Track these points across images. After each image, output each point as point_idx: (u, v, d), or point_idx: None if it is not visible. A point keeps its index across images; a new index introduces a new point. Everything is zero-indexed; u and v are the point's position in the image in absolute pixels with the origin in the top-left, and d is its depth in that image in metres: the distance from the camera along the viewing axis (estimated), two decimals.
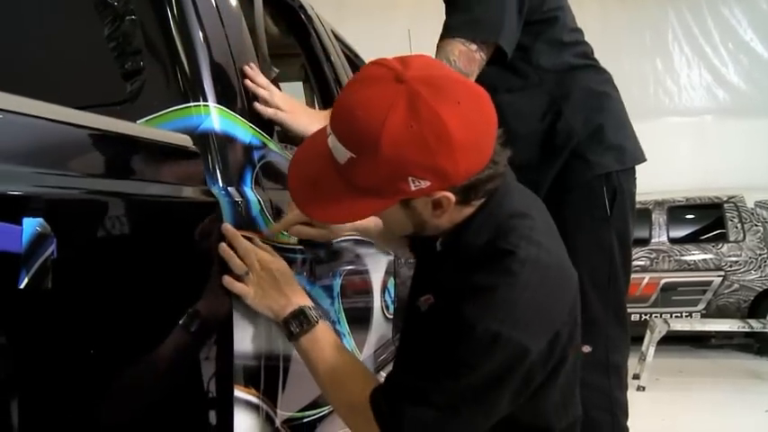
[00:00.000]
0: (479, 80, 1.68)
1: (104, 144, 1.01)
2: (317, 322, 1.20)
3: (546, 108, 1.84)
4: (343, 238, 1.73)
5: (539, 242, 1.12)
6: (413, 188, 1.05)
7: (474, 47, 1.67)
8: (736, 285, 6.21)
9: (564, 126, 1.82)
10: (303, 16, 2.19)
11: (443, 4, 1.79)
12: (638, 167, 1.91)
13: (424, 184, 1.04)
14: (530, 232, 1.12)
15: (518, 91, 1.83)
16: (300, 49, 2.28)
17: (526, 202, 1.23)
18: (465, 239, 1.15)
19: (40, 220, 0.77)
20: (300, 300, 1.22)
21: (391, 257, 2.31)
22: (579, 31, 1.92)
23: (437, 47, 1.70)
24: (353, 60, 2.76)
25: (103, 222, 0.92)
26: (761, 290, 6.19)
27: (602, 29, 1.77)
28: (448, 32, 1.70)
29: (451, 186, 1.07)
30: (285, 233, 1.36)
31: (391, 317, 2.30)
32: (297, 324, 1.20)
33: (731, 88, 7.15)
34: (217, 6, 1.41)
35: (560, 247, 1.21)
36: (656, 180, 6.44)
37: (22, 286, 0.73)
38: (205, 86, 1.26)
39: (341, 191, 1.09)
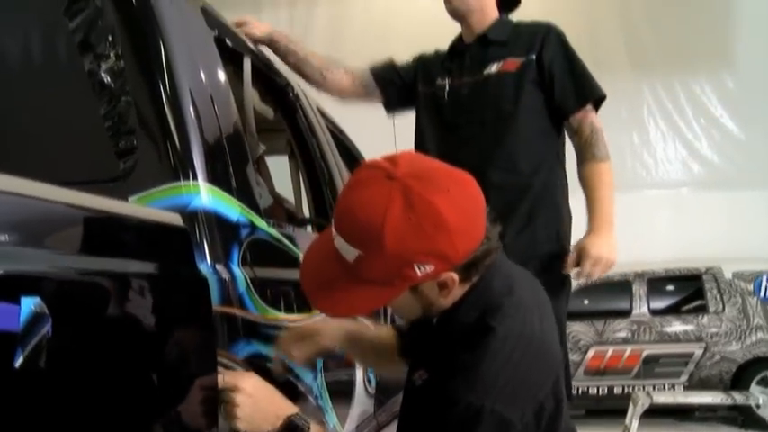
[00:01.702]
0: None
1: (98, 223, 1.04)
2: (309, 428, 1.21)
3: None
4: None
5: (522, 318, 1.18)
6: (419, 274, 1.12)
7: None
8: (717, 357, 6.22)
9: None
10: (291, 94, 2.26)
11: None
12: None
13: (429, 268, 1.12)
14: (515, 310, 1.18)
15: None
16: (287, 126, 2.34)
17: (514, 277, 1.28)
18: (457, 317, 1.21)
19: (37, 299, 0.79)
20: (284, 410, 1.22)
21: None
22: None
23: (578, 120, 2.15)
24: (338, 137, 2.83)
25: (96, 300, 0.95)
26: (742, 361, 6.20)
27: None
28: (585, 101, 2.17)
29: (453, 266, 1.15)
30: (270, 309, 1.39)
31: (373, 392, 2.29)
32: None
33: (705, 162, 7.33)
34: (209, 87, 1.46)
35: (545, 321, 1.25)
36: (635, 252, 6.52)
37: (18, 365, 0.75)
38: (196, 166, 1.30)
39: (355, 286, 1.16)
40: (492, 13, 2.26)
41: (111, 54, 1.34)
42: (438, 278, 1.15)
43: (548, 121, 2.17)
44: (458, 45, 2.32)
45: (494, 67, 2.16)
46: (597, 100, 2.19)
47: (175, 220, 1.20)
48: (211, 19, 1.69)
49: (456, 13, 2.24)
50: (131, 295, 1.02)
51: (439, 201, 1.09)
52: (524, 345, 1.15)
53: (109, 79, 1.33)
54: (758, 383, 6.15)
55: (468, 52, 2.24)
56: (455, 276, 1.16)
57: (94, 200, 1.03)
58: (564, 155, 2.22)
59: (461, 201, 1.13)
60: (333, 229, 1.17)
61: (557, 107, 2.16)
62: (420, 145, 2.25)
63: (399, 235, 1.08)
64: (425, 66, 2.36)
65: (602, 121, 2.18)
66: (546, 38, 2.16)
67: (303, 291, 1.24)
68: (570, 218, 2.20)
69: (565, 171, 2.22)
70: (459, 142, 2.13)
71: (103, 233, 1.05)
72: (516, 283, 1.25)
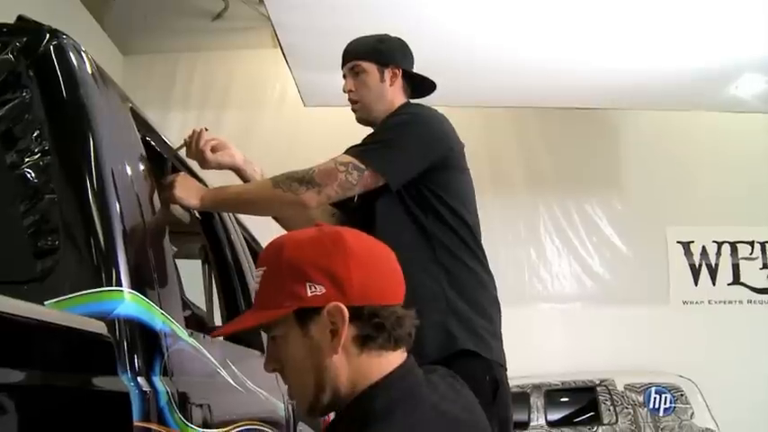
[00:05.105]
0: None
1: (15, 329, 0.95)
2: None
3: None
4: None
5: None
6: (309, 293, 1.07)
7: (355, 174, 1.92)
8: None
9: None
10: None
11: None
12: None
13: (320, 290, 1.07)
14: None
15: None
16: (203, 231, 2.29)
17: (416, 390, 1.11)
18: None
19: None
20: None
21: None
22: None
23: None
24: (252, 245, 2.78)
25: (8, 417, 0.85)
26: None
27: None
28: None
29: (347, 303, 1.06)
30: (190, 426, 1.30)
31: None
32: None
33: (597, 278, 7.64)
34: (135, 189, 1.42)
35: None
36: (532, 364, 6.63)
37: None
38: (121, 271, 1.24)
39: (251, 315, 1.18)
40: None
41: (37, 149, 1.27)
42: (328, 305, 1.05)
43: (409, 209, 2.01)
44: None
45: None
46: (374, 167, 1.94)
47: (99, 328, 1.12)
48: (139, 120, 1.65)
49: (362, 122, 2.22)
50: (49, 410, 0.93)
51: (345, 232, 1.13)
52: None
53: (33, 175, 1.26)
54: None
55: None
56: (345, 311, 1.05)
57: (11, 304, 0.95)
58: (465, 241, 2.04)
59: (369, 244, 1.15)
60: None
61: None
62: None
63: (297, 245, 1.11)
64: None
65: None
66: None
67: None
68: (481, 313, 1.97)
69: (463, 256, 2.02)
70: None
71: (22, 341, 0.96)
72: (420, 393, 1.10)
